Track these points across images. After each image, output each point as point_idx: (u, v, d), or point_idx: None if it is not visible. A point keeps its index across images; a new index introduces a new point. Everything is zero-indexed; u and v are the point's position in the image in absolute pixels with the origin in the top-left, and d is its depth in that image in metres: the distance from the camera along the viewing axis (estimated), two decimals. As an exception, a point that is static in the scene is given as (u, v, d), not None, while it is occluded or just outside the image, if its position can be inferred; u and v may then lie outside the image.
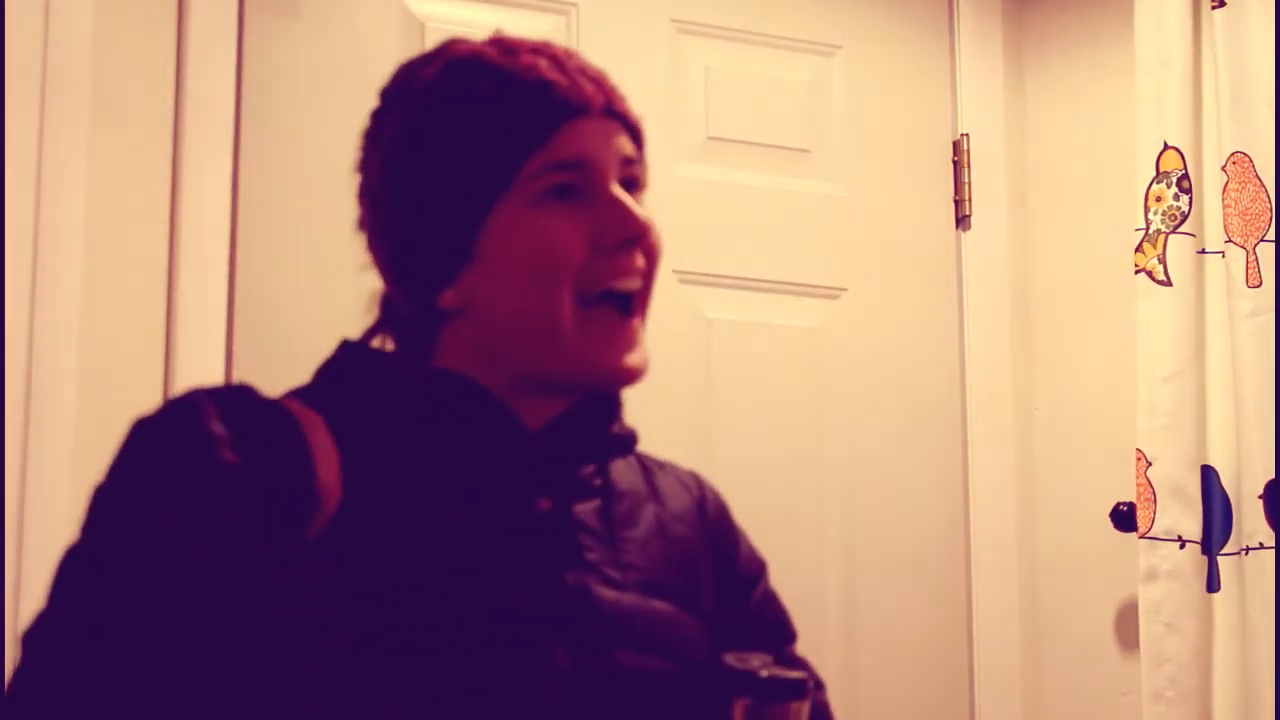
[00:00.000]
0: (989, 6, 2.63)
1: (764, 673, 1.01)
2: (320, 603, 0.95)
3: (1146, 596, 2.22)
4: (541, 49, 1.09)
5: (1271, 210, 2.21)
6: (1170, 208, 2.27)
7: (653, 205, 2.73)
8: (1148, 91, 2.31)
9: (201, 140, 2.11)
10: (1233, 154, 2.23)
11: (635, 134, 1.12)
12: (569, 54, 1.10)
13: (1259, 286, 2.19)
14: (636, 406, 2.59)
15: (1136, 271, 2.28)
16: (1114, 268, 2.43)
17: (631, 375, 1.07)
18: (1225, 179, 2.24)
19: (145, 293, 2.07)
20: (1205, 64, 2.30)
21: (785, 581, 2.41)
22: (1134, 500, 2.27)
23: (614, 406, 1.13)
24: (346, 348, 1.11)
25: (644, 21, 2.43)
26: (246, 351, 2.11)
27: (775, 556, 2.39)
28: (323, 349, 2.37)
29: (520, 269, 1.04)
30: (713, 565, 1.17)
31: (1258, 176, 2.22)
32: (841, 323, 2.47)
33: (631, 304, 1.08)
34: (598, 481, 1.11)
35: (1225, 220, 2.23)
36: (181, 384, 2.03)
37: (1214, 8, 2.27)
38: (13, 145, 1.97)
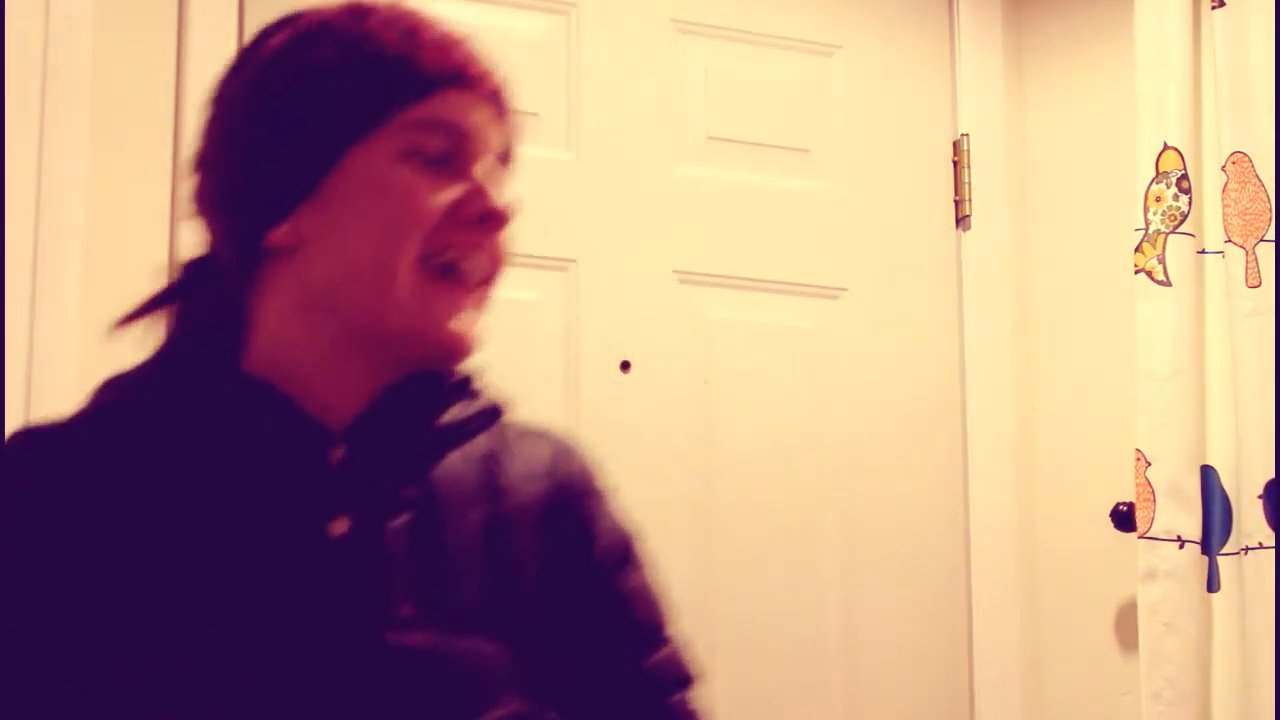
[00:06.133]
0: (989, 6, 2.63)
1: None
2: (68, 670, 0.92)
3: (1146, 596, 2.22)
4: (444, 25, 1.06)
5: (1271, 210, 2.21)
6: (1170, 208, 2.27)
7: (653, 205, 2.73)
8: (1148, 91, 2.31)
9: (201, 140, 2.11)
10: (1232, 154, 2.23)
11: (513, 136, 1.09)
12: (468, 38, 1.07)
13: (1259, 286, 2.19)
14: (638, 406, 2.60)
15: (1136, 271, 2.28)
16: (1114, 268, 2.43)
17: (458, 343, 1.01)
18: (1225, 179, 2.24)
19: (145, 293, 2.06)
20: (1205, 64, 2.30)
21: (785, 581, 2.43)
22: (1133, 500, 2.27)
23: (445, 389, 1.05)
24: (168, 347, 1.06)
25: (644, 21, 2.43)
26: (246, 351, 2.11)
27: (775, 556, 2.41)
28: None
29: (368, 216, 0.99)
30: (557, 568, 1.05)
31: (1257, 176, 2.22)
32: (841, 323, 2.47)
33: (471, 283, 1.02)
34: (411, 487, 1.01)
35: (1225, 220, 2.23)
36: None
37: (1214, 8, 2.27)
38: (13, 145, 1.97)
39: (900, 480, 2.47)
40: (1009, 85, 2.63)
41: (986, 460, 2.51)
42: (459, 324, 1.01)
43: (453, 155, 1.02)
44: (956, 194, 2.57)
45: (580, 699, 1.04)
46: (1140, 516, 2.24)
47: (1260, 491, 2.16)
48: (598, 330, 2.31)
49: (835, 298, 2.48)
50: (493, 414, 1.07)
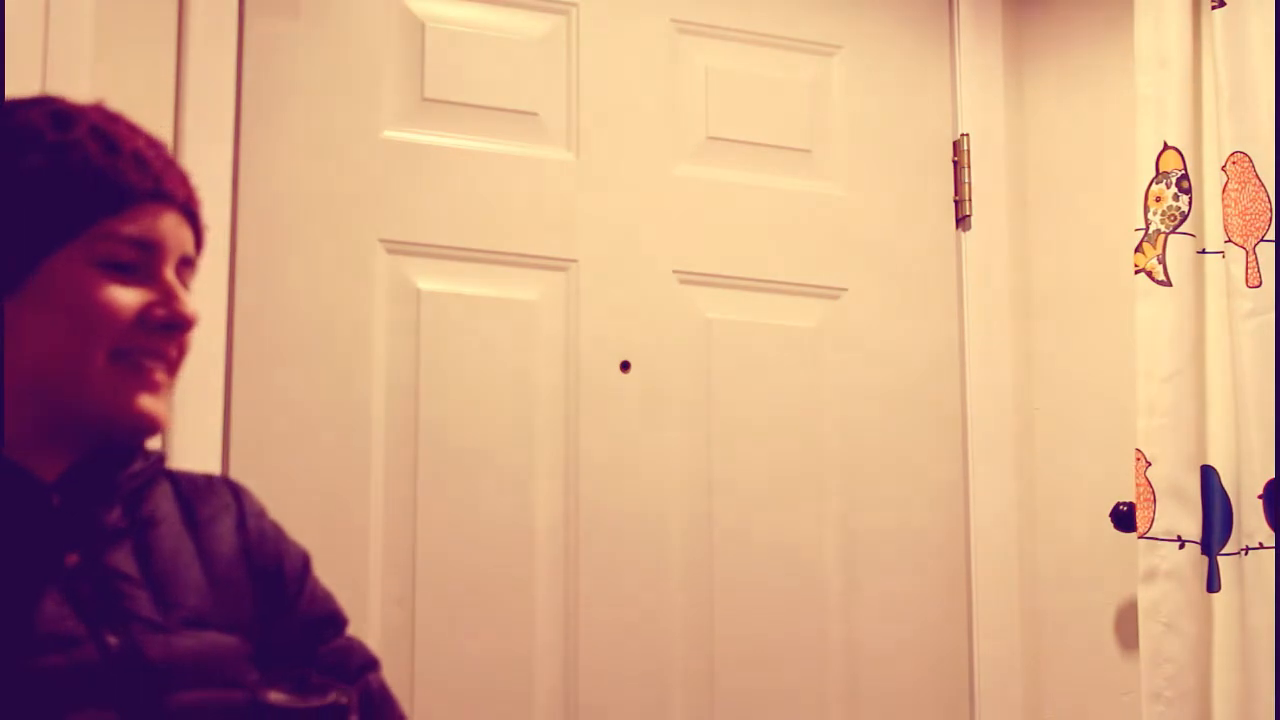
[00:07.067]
0: (989, 6, 2.63)
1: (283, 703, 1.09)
2: None
3: (1146, 596, 2.22)
4: (142, 133, 1.19)
5: (1271, 210, 2.21)
6: (1170, 208, 2.27)
7: (653, 205, 2.73)
8: (1148, 91, 2.31)
9: (201, 140, 2.11)
10: (1232, 154, 2.23)
11: (199, 240, 1.21)
12: (162, 144, 1.21)
13: (1259, 286, 2.19)
14: (638, 407, 2.59)
15: (1136, 271, 2.28)
16: (1114, 268, 2.43)
17: (149, 421, 1.14)
18: (1225, 179, 2.24)
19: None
20: (1205, 64, 2.30)
21: (784, 580, 2.43)
22: (1134, 500, 2.27)
23: (130, 449, 1.19)
24: None
25: (644, 21, 2.43)
26: (246, 349, 2.11)
27: (774, 555, 2.41)
28: (321, 346, 2.37)
29: (64, 317, 1.11)
30: (256, 581, 1.24)
31: (1257, 176, 2.22)
32: (841, 323, 2.47)
33: (157, 372, 1.15)
34: (124, 523, 1.16)
35: (1225, 220, 2.23)
36: (180, 383, 2.02)
37: (1214, 8, 2.27)
38: (13, 145, 1.96)
39: (900, 480, 2.47)
40: (1009, 85, 2.63)
41: (986, 460, 2.51)
42: (147, 404, 1.14)
43: (145, 263, 1.14)
44: (956, 194, 2.57)
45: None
46: (1140, 516, 2.24)
47: (1260, 491, 2.16)
48: (598, 330, 2.31)
49: (835, 298, 2.48)
50: (161, 460, 1.24)
